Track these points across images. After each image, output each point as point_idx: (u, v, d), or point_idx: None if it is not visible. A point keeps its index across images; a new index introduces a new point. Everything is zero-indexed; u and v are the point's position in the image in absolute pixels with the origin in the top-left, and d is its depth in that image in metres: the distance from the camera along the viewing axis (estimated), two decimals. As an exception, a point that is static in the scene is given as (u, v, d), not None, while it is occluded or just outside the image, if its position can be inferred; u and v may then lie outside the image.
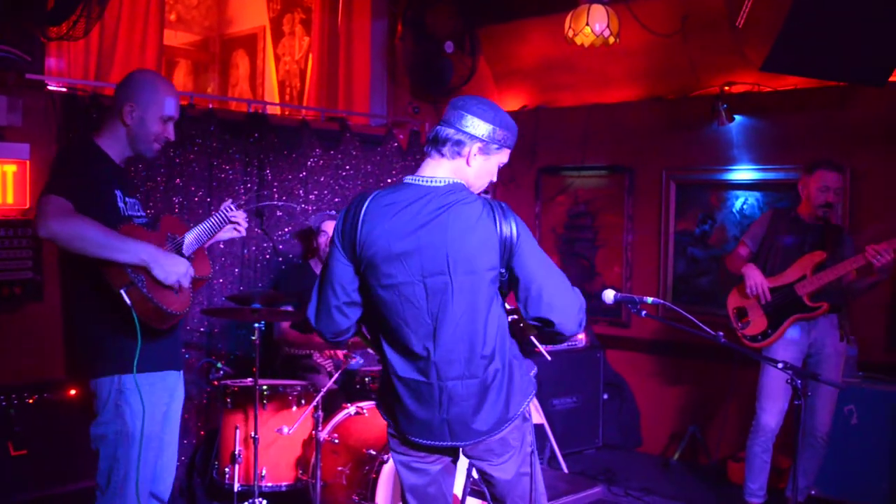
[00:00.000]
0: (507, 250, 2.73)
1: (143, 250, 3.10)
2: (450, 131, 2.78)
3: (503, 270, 2.76)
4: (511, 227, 2.73)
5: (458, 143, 2.78)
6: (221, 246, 5.24)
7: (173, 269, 3.18)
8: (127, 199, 3.32)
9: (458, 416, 2.78)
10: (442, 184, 2.77)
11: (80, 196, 3.06)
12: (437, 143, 2.79)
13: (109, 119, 3.34)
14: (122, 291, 3.05)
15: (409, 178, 2.81)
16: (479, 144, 2.79)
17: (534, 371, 2.96)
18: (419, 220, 2.71)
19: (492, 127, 2.80)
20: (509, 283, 2.80)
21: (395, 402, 2.86)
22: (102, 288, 3.10)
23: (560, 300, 2.76)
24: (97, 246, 3.01)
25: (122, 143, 3.33)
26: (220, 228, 3.55)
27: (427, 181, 2.78)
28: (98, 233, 3.01)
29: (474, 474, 3.04)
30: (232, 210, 3.56)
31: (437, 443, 2.82)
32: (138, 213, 3.38)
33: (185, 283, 3.26)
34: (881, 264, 4.47)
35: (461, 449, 2.88)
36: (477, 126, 2.78)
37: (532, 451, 2.98)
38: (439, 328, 2.73)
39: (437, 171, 2.80)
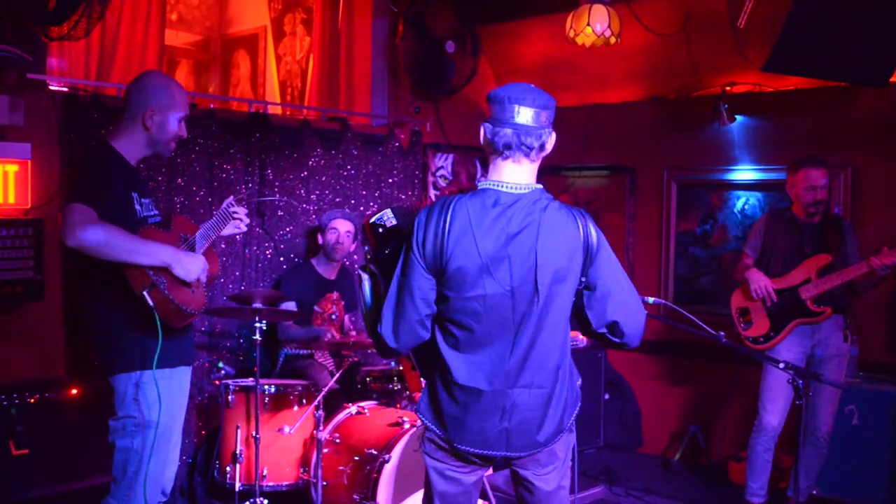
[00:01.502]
0: (589, 257, 2.72)
1: (163, 252, 3.25)
2: (533, 133, 2.68)
3: (584, 279, 2.75)
4: (592, 234, 2.72)
5: (542, 148, 2.73)
6: (223, 245, 5.23)
7: (193, 267, 3.34)
8: (143, 199, 3.46)
9: (520, 426, 2.74)
10: (527, 190, 2.70)
11: (103, 202, 3.20)
12: (521, 146, 2.69)
13: (127, 123, 3.46)
14: (145, 293, 3.19)
15: (490, 184, 2.71)
16: (552, 139, 2.76)
17: (579, 381, 2.94)
18: (510, 230, 2.64)
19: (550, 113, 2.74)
20: (581, 291, 2.78)
21: (448, 408, 2.78)
22: (120, 289, 3.23)
23: (634, 309, 2.78)
24: (123, 251, 3.16)
25: (140, 145, 3.47)
26: (224, 225, 3.70)
27: (512, 188, 2.70)
28: (123, 239, 3.16)
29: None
30: (233, 206, 3.72)
31: (489, 452, 2.77)
32: (152, 213, 3.53)
33: (203, 279, 3.42)
34: (885, 274, 4.49)
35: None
36: (548, 120, 2.73)
37: (570, 464, 2.98)
38: (520, 337, 2.69)
39: (519, 175, 2.72)
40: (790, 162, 4.87)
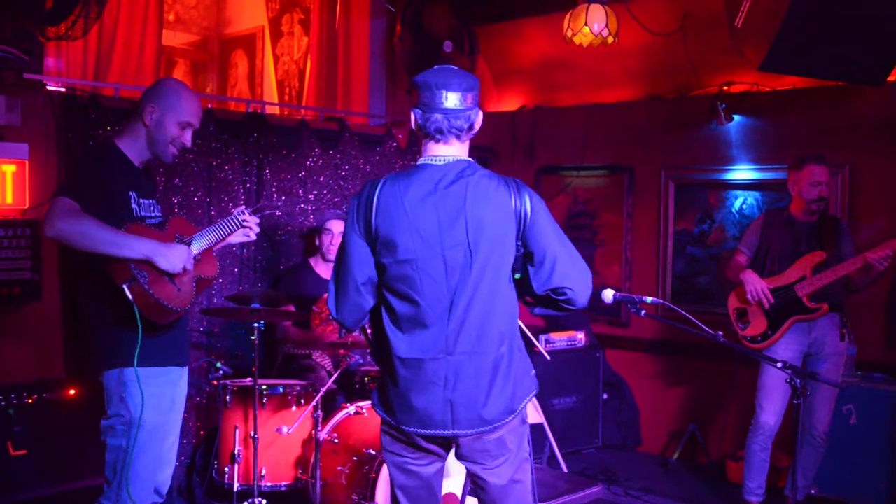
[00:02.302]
0: (522, 224, 2.78)
1: (144, 245, 3.21)
2: (462, 116, 2.79)
3: (519, 244, 2.80)
4: (525, 201, 2.78)
5: (471, 128, 2.84)
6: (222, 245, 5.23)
7: (176, 258, 3.28)
8: (142, 200, 3.44)
9: (464, 397, 2.73)
10: (453, 160, 2.80)
11: (88, 196, 3.19)
12: (451, 129, 2.79)
13: (132, 121, 3.48)
14: (125, 287, 3.15)
15: (421, 160, 2.83)
16: (479, 118, 2.86)
17: (533, 371, 2.94)
18: (436, 194, 2.73)
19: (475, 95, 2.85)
20: (523, 258, 2.82)
21: (393, 389, 2.80)
22: (106, 284, 3.21)
23: (575, 270, 2.82)
24: (100, 243, 3.12)
25: (141, 145, 3.46)
26: (232, 232, 3.67)
27: (439, 160, 2.80)
28: (100, 230, 3.13)
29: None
30: (245, 214, 3.69)
31: (435, 431, 2.76)
32: (153, 214, 3.50)
33: (190, 267, 3.37)
34: (883, 267, 4.48)
35: (455, 447, 2.83)
36: (474, 101, 2.84)
37: (527, 459, 2.93)
38: (456, 301, 2.72)
39: (448, 151, 2.82)
40: (791, 160, 4.87)
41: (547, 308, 2.90)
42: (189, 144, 3.56)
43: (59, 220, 3.09)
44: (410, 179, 2.76)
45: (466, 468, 2.90)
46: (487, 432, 2.77)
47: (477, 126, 2.86)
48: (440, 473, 2.97)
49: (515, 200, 2.78)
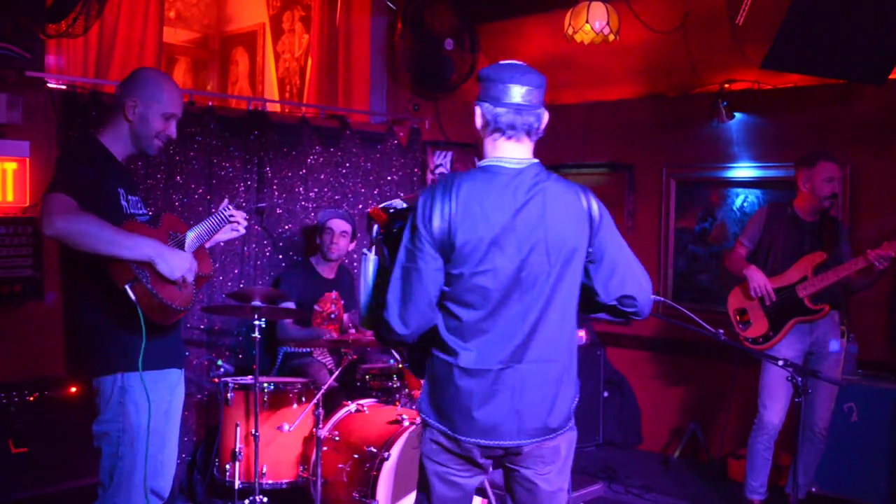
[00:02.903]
0: (593, 229, 2.73)
1: (148, 246, 3.10)
2: (532, 112, 2.70)
3: (590, 250, 2.74)
4: (594, 205, 2.74)
5: (539, 127, 2.75)
6: (221, 243, 5.23)
7: (178, 264, 3.18)
8: (130, 197, 3.32)
9: (531, 407, 2.67)
10: (527, 164, 2.71)
11: (84, 194, 3.06)
12: (523, 125, 2.70)
13: (112, 116, 3.34)
14: (127, 287, 3.04)
15: (491, 161, 2.71)
16: (545, 118, 2.77)
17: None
18: (516, 202, 2.63)
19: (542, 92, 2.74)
20: (589, 264, 2.77)
21: (452, 400, 2.69)
22: (105, 285, 3.09)
23: (641, 278, 2.79)
24: (103, 242, 3.00)
25: (125, 140, 3.33)
26: (220, 228, 3.56)
27: (514, 163, 2.69)
28: (103, 229, 3.01)
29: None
30: (230, 209, 3.57)
31: (500, 442, 2.68)
32: (140, 211, 3.38)
33: (189, 278, 3.26)
34: (884, 267, 4.49)
35: (510, 454, 2.75)
36: (540, 100, 2.73)
37: (571, 466, 2.90)
38: (529, 311, 2.65)
39: (519, 152, 2.72)
40: (800, 157, 4.85)
41: (610, 316, 2.86)
42: (174, 136, 3.42)
43: (57, 218, 2.95)
44: (488, 186, 2.64)
45: (511, 472, 2.81)
46: (549, 440, 2.74)
47: (543, 126, 2.76)
48: (477, 485, 2.91)
49: (587, 205, 2.73)
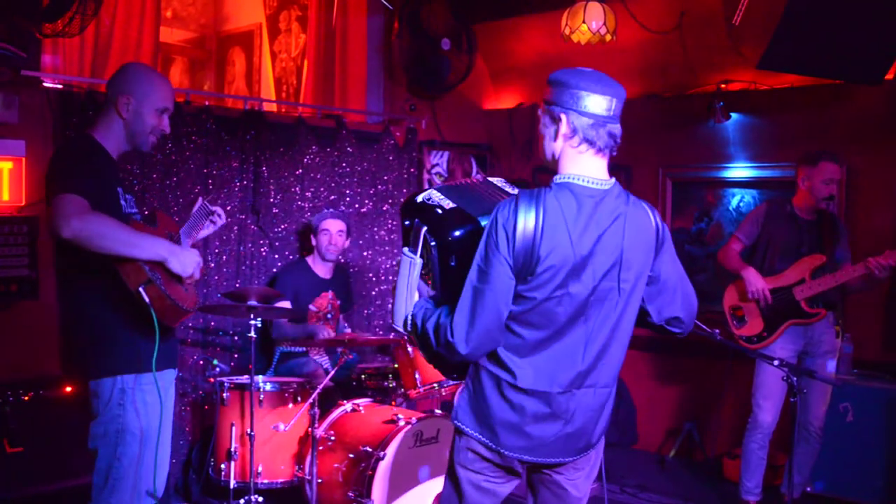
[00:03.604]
0: (657, 250, 2.65)
1: (160, 245, 3.11)
2: (616, 126, 2.58)
3: (651, 273, 2.65)
4: (661, 225, 2.66)
5: (619, 140, 2.61)
6: (217, 242, 5.23)
7: (189, 261, 3.19)
8: (126, 195, 3.31)
9: (580, 430, 2.64)
10: (610, 185, 2.58)
11: (94, 193, 3.03)
12: (609, 139, 2.57)
13: (105, 113, 3.32)
14: (141, 289, 3.03)
15: (575, 178, 2.55)
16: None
17: None
18: (600, 227, 2.51)
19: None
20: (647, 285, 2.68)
21: (503, 416, 2.60)
22: (110, 286, 3.08)
23: (691, 299, 2.75)
24: (119, 243, 2.99)
25: (119, 137, 3.30)
26: (203, 225, 3.58)
27: (598, 183, 2.55)
28: (119, 230, 3.00)
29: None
30: (207, 207, 3.58)
31: (544, 459, 2.65)
32: (135, 210, 3.37)
33: (198, 275, 3.29)
34: (883, 276, 4.49)
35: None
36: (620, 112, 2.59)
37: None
38: (595, 336, 2.58)
39: (600, 170, 2.59)
40: (803, 155, 4.85)
41: (654, 332, 2.80)
42: (168, 130, 3.39)
43: (75, 219, 2.91)
44: (575, 208, 2.50)
45: (539, 473, 2.78)
46: (588, 453, 2.73)
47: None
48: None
49: (656, 226, 2.63)
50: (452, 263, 2.64)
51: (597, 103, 2.53)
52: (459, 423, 2.69)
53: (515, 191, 2.77)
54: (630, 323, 2.66)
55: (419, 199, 2.73)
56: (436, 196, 2.72)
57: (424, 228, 2.66)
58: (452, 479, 2.76)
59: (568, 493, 2.76)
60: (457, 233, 2.62)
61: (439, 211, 2.67)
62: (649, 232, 2.61)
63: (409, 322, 2.70)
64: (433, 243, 2.65)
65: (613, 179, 2.60)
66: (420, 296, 2.74)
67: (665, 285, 2.68)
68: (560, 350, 2.57)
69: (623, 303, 2.58)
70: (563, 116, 2.55)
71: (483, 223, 2.60)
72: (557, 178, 2.57)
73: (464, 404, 2.70)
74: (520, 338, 2.56)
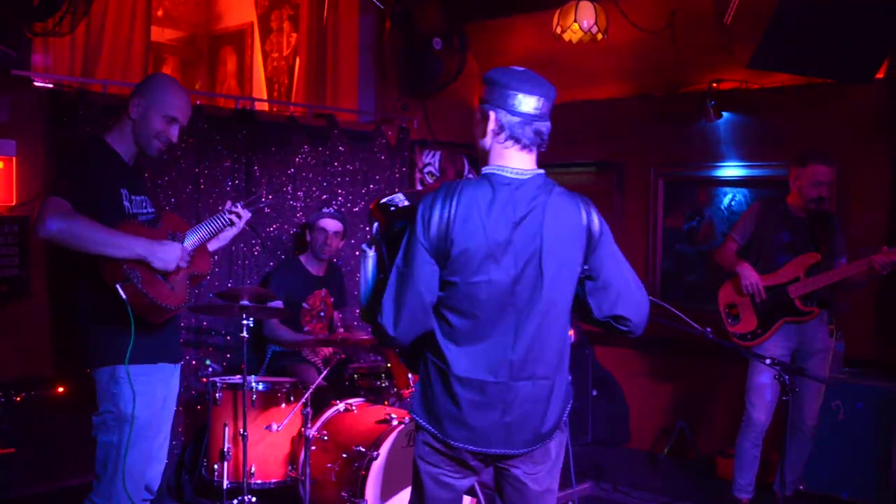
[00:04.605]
0: (591, 245, 2.69)
1: (137, 244, 3.18)
2: (543, 123, 2.68)
3: (586, 267, 2.70)
4: (595, 221, 2.71)
5: (547, 138, 2.72)
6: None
7: (170, 256, 3.26)
8: (133, 196, 3.40)
9: (521, 420, 2.67)
10: (532, 175, 2.67)
11: (80, 195, 3.16)
12: (535, 135, 2.67)
13: (120, 116, 3.44)
14: (118, 287, 3.13)
15: (496, 170, 2.67)
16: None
17: (569, 378, 2.86)
18: (515, 215, 2.61)
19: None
20: (581, 280, 2.73)
21: (445, 404, 2.67)
22: (98, 282, 3.19)
23: (638, 299, 2.75)
24: (93, 243, 3.10)
25: (128, 139, 3.42)
26: (223, 229, 3.64)
27: (518, 174, 2.66)
28: (92, 230, 3.10)
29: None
30: (237, 209, 3.66)
31: (487, 449, 2.68)
32: (144, 211, 3.46)
33: (184, 265, 3.34)
34: (886, 272, 4.50)
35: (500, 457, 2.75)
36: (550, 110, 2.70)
37: (560, 468, 2.89)
38: (524, 325, 2.63)
39: (525, 162, 2.69)
40: (795, 155, 4.86)
41: (603, 329, 2.83)
42: (175, 140, 3.50)
43: (49, 220, 3.06)
44: (490, 196, 2.61)
45: (501, 470, 2.81)
46: (538, 447, 2.73)
47: (547, 137, 2.74)
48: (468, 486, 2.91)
49: (587, 220, 2.69)
50: (391, 256, 2.76)
51: (525, 102, 2.64)
52: (415, 416, 2.77)
53: None
54: (562, 314, 2.70)
55: (383, 200, 2.86)
56: (398, 197, 2.84)
57: (376, 224, 2.83)
58: (414, 472, 2.84)
59: (527, 487, 2.79)
60: (398, 225, 2.76)
61: (392, 209, 2.81)
62: (576, 224, 2.67)
63: (363, 312, 2.83)
64: (379, 237, 2.81)
65: (540, 171, 2.71)
66: None
67: (605, 283, 2.71)
68: (491, 339, 2.64)
69: (549, 292, 2.63)
70: (491, 114, 2.66)
71: None
72: (483, 170, 2.70)
73: (417, 396, 2.78)
74: (451, 326, 2.65)
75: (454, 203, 2.59)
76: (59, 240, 3.09)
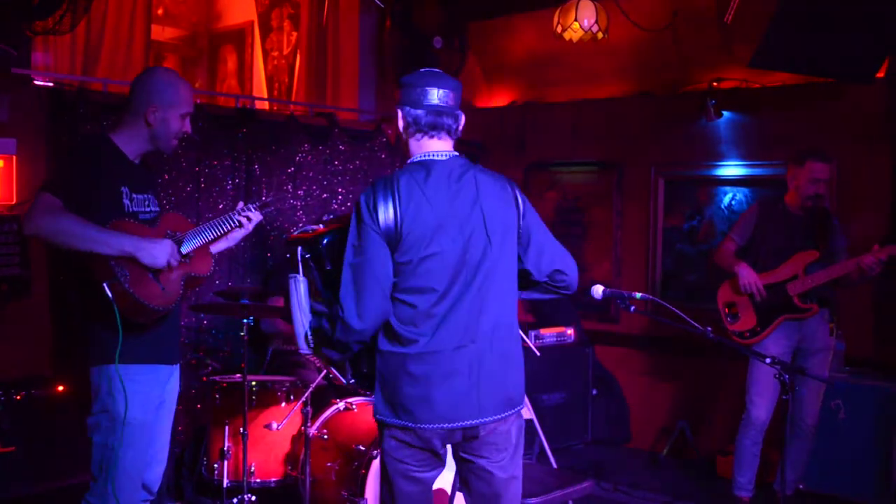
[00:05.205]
0: (520, 212, 2.91)
1: (125, 242, 3.15)
2: (451, 114, 2.89)
3: (519, 233, 2.90)
4: (517, 193, 2.93)
5: (458, 128, 2.94)
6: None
7: (158, 253, 3.22)
8: (135, 195, 3.37)
9: (490, 381, 2.78)
10: (451, 155, 2.89)
11: (72, 193, 3.13)
12: (444, 125, 2.88)
13: (129, 118, 3.40)
14: (105, 285, 3.11)
15: (421, 157, 2.88)
16: (462, 119, 2.96)
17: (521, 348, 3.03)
18: (451, 189, 2.80)
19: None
20: (518, 247, 2.93)
21: (408, 389, 2.76)
22: (89, 280, 3.17)
23: (566, 255, 2.99)
24: (78, 240, 3.08)
25: (141, 141, 3.41)
26: (229, 229, 3.61)
27: (441, 156, 2.87)
28: (79, 227, 3.08)
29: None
30: (249, 211, 3.66)
31: (460, 423, 2.76)
32: (147, 209, 3.42)
33: (174, 262, 3.30)
34: (874, 273, 4.51)
35: (464, 441, 2.83)
36: (457, 102, 2.93)
37: (522, 455, 2.98)
38: (475, 290, 2.78)
39: (443, 146, 2.90)
40: (792, 153, 4.86)
41: (542, 293, 3.02)
42: (189, 131, 3.52)
43: (37, 217, 3.06)
44: (425, 175, 2.81)
45: (466, 463, 2.90)
46: (509, 417, 2.83)
47: (461, 127, 2.95)
48: (435, 478, 2.96)
49: (511, 189, 2.92)
50: (328, 267, 2.92)
51: (424, 96, 2.87)
52: (379, 416, 2.84)
53: None
54: (508, 277, 2.88)
55: (296, 232, 3.07)
56: (309, 226, 3.05)
57: (299, 248, 2.95)
58: (383, 470, 2.91)
59: (493, 476, 2.88)
60: (325, 240, 2.93)
61: (310, 230, 3.00)
62: (506, 191, 2.90)
63: (311, 336, 2.90)
64: (307, 256, 2.93)
65: (455, 153, 2.91)
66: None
67: (536, 244, 2.93)
68: (447, 309, 2.76)
69: (496, 255, 2.82)
70: (399, 112, 2.91)
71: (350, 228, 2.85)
72: (410, 161, 2.91)
73: (379, 396, 2.85)
74: (412, 307, 2.76)
75: (395, 187, 2.77)
76: (43, 236, 3.09)
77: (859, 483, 5.11)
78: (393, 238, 2.74)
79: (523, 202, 2.93)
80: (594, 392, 6.52)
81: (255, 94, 7.58)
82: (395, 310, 2.78)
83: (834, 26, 4.50)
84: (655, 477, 5.87)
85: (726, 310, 4.97)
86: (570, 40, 5.53)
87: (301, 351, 2.93)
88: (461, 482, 2.98)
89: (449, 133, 2.90)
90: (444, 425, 2.76)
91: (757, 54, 4.63)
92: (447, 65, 6.43)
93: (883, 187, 5.44)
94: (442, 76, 2.92)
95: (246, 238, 5.31)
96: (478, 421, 2.78)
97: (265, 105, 6.75)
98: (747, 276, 4.81)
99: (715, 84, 6.01)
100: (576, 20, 5.38)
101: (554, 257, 2.95)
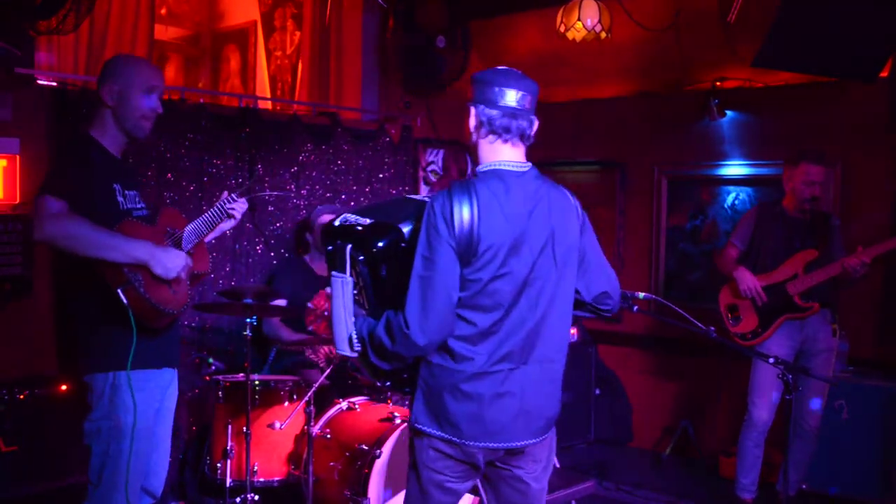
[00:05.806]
0: (581, 229, 2.83)
1: (139, 249, 3.09)
2: (527, 118, 2.76)
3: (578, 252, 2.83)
4: (579, 207, 2.86)
5: (532, 133, 2.80)
6: (213, 241, 5.21)
7: (172, 264, 3.17)
8: (126, 191, 3.32)
9: (536, 406, 2.73)
10: (527, 168, 2.77)
11: (75, 194, 3.06)
12: (518, 129, 2.75)
13: (97, 110, 3.33)
14: (119, 291, 3.05)
15: (495, 165, 2.74)
16: (536, 124, 2.82)
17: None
18: (527, 206, 2.69)
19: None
20: None
21: (461, 407, 2.68)
22: (99, 286, 3.10)
23: (613, 277, 2.92)
24: (93, 247, 3.00)
25: (113, 132, 3.31)
26: (220, 220, 3.53)
27: (516, 167, 2.75)
28: (93, 234, 3.00)
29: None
30: (232, 202, 3.53)
31: (505, 444, 2.71)
32: (138, 206, 3.38)
33: (184, 275, 3.26)
34: (859, 276, 4.52)
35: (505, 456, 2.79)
36: (534, 106, 2.79)
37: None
38: (536, 312, 2.70)
39: (517, 156, 2.78)
40: (788, 154, 4.87)
41: (584, 313, 2.94)
42: (161, 110, 3.35)
43: (46, 223, 2.97)
44: (504, 189, 2.68)
45: (498, 470, 2.83)
46: (545, 439, 2.81)
47: (534, 133, 2.81)
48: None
49: (576, 205, 2.84)
50: (383, 273, 2.74)
51: (504, 95, 2.71)
52: (420, 426, 2.76)
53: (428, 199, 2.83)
54: (568, 298, 2.80)
55: (337, 222, 2.85)
56: (351, 217, 2.83)
57: (349, 247, 2.74)
58: (417, 481, 2.82)
59: (530, 487, 2.84)
60: (381, 243, 2.73)
61: (359, 228, 2.78)
62: (571, 210, 2.81)
63: (356, 339, 2.75)
64: (361, 258, 2.74)
65: (529, 164, 2.79)
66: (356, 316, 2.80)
67: (590, 263, 2.85)
68: (506, 329, 2.67)
69: (558, 276, 2.73)
70: (472, 110, 2.77)
71: (405, 229, 2.73)
72: (480, 168, 2.77)
73: (420, 406, 2.77)
74: (472, 325, 2.66)
75: (474, 199, 2.62)
76: (56, 243, 3.00)
77: (862, 483, 5.11)
78: (466, 253, 2.61)
79: (583, 217, 2.85)
80: (597, 392, 6.52)
81: (259, 93, 7.58)
82: (461, 320, 2.69)
83: (836, 25, 4.49)
84: (658, 477, 5.87)
85: (728, 313, 4.98)
86: (573, 40, 5.52)
87: (339, 352, 2.80)
88: (485, 485, 2.91)
89: (522, 138, 2.76)
90: (491, 444, 2.71)
91: (760, 54, 4.62)
92: (450, 64, 6.44)
93: (886, 186, 5.44)
94: (520, 76, 2.77)
95: (249, 237, 5.39)
96: (524, 443, 2.74)
97: (268, 105, 6.75)
98: (746, 281, 4.81)
99: (718, 83, 6.01)
100: (579, 19, 5.37)
101: (601, 279, 2.87)
